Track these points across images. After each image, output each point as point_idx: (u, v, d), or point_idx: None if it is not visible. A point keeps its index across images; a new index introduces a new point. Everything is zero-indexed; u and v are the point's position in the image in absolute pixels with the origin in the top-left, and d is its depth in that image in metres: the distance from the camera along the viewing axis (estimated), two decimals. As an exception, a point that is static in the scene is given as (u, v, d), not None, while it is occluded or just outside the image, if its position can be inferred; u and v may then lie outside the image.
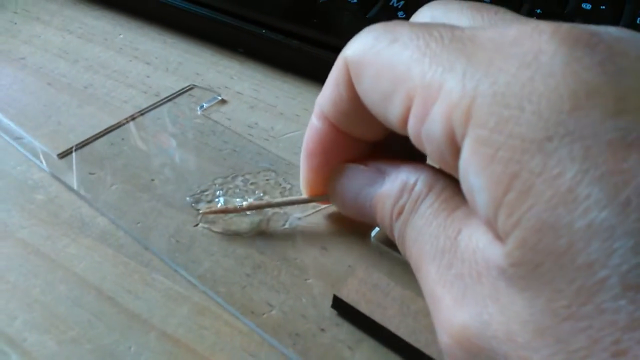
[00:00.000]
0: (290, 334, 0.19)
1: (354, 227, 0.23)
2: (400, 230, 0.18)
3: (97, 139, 0.27)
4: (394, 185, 0.18)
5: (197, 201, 0.24)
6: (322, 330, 0.20)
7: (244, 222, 0.23)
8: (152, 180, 0.25)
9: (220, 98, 0.30)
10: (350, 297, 0.20)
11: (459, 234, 0.15)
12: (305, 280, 0.21)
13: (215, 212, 0.23)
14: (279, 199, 0.24)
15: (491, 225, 0.13)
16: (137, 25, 0.37)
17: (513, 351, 0.13)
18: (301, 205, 0.24)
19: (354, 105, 0.18)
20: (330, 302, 0.20)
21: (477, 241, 0.14)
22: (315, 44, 0.31)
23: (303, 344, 0.19)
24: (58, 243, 0.22)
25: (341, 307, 0.20)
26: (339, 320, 0.20)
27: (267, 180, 0.25)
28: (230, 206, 0.23)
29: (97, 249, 0.22)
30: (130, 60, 0.33)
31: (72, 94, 0.30)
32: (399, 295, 0.20)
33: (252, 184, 0.25)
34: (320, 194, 0.23)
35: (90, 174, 0.25)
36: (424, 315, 0.19)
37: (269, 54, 0.33)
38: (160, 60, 0.33)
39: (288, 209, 0.24)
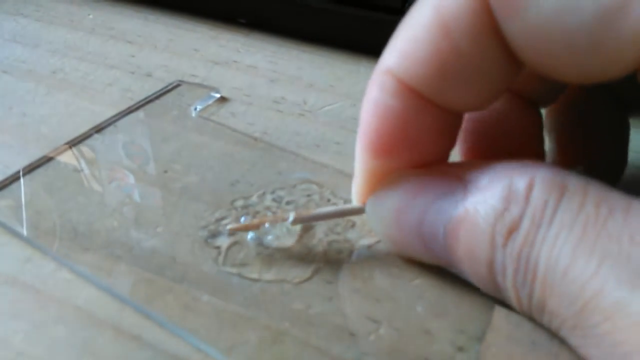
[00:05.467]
0: None
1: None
2: (518, 256, 0.12)
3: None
4: (487, 194, 0.13)
5: (214, 235, 0.16)
6: None
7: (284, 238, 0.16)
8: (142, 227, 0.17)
9: (218, 96, 0.23)
10: None
11: None
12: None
13: (245, 228, 0.16)
14: (333, 208, 0.16)
15: None
16: (108, 4, 0.30)
17: None
18: (365, 228, 0.17)
19: (481, 56, 0.13)
20: None
21: None
22: (343, 2, 0.26)
23: None
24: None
25: None
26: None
27: (309, 195, 0.18)
28: (265, 219, 0.16)
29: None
30: (107, 41, 0.27)
31: (38, 80, 0.23)
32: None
33: (288, 202, 0.17)
34: None
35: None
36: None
37: (281, 20, 0.27)
38: (145, 38, 0.27)
39: (352, 234, 0.17)
